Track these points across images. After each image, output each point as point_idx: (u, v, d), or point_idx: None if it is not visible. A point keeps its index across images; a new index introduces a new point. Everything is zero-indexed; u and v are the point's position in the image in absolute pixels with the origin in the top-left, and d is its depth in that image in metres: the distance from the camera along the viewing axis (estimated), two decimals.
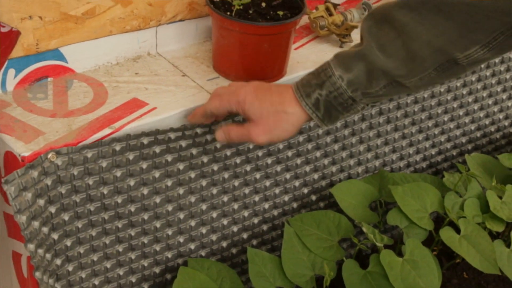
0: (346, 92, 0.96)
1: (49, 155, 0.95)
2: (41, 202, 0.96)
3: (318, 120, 0.99)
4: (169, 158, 1.08)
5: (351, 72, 0.95)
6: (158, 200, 1.11)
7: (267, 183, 1.26)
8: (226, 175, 1.18)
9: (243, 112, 0.99)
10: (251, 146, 1.19)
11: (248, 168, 1.21)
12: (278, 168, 1.26)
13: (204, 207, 1.18)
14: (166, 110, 1.07)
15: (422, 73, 0.94)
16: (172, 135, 1.06)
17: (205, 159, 1.13)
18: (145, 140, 1.03)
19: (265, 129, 0.98)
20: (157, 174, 1.08)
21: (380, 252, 1.19)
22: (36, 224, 0.96)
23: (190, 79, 1.16)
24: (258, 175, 1.23)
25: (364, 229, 1.21)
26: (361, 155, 1.40)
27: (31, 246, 0.95)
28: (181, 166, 1.10)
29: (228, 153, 1.16)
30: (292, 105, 0.98)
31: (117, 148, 1.01)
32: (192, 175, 1.13)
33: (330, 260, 1.22)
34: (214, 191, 1.18)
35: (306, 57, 1.27)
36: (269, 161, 1.24)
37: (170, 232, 1.16)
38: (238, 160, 1.19)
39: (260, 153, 1.21)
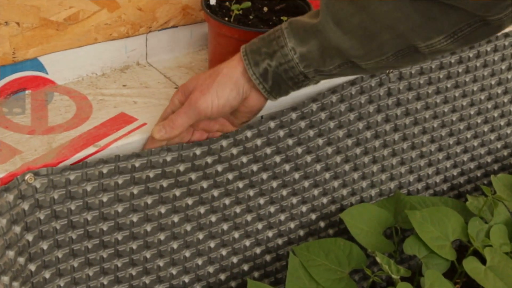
0: (297, 66, 0.98)
1: (27, 177, 0.95)
2: (17, 229, 0.96)
3: (265, 92, 1.01)
4: (165, 183, 1.08)
5: (304, 46, 0.97)
6: (149, 228, 1.11)
7: (272, 209, 1.26)
8: (227, 201, 1.19)
9: (184, 93, 1.02)
10: (255, 169, 1.19)
11: (251, 193, 1.21)
12: (284, 192, 1.26)
13: (201, 236, 1.18)
14: None
15: (380, 57, 0.95)
16: (168, 157, 1.06)
17: (204, 184, 1.14)
18: (137, 163, 1.04)
19: (202, 89, 1.00)
20: (149, 200, 1.08)
21: (396, 285, 1.18)
22: (11, 253, 0.95)
23: None
24: (262, 201, 1.24)
25: (378, 259, 1.21)
26: (374, 177, 1.40)
27: (5, 279, 0.95)
28: (177, 192, 1.11)
29: (230, 177, 1.17)
30: (228, 61, 1.01)
31: (104, 170, 1.01)
32: (190, 201, 1.13)
33: None
34: (213, 218, 1.18)
35: None
36: (274, 184, 1.24)
37: (161, 263, 1.16)
38: (240, 185, 1.19)
39: (264, 176, 1.22)
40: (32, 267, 1.01)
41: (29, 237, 0.99)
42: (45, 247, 1.01)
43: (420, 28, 0.90)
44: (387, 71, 1.30)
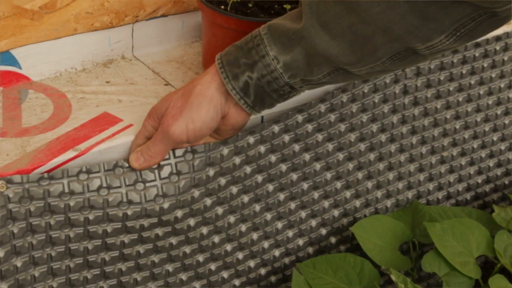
0: (282, 77, 0.97)
1: None
2: None
3: (247, 107, 1.00)
4: (165, 204, 1.08)
5: (288, 54, 0.96)
6: (142, 250, 1.11)
7: (279, 225, 1.26)
8: (232, 219, 1.19)
9: (156, 117, 1.01)
10: (259, 180, 1.19)
11: (257, 208, 1.22)
12: (292, 205, 1.26)
13: (201, 258, 1.18)
14: None
15: (374, 62, 0.94)
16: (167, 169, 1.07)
17: (208, 202, 1.14)
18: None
19: (174, 114, 0.99)
20: (146, 222, 1.08)
21: None
22: None
23: (174, 89, 1.17)
24: (269, 216, 1.24)
25: (393, 278, 1.20)
26: (390, 185, 1.40)
27: None
28: (179, 213, 1.11)
29: (235, 190, 1.17)
30: (202, 76, 1.00)
31: (90, 183, 1.01)
32: (192, 222, 1.13)
33: None
34: (216, 239, 1.19)
35: None
36: (282, 197, 1.24)
37: (153, 287, 1.16)
38: (246, 199, 1.19)
39: (271, 188, 1.22)
40: (4, 286, 1.00)
41: (1, 252, 0.98)
42: (18, 264, 1.01)
43: (418, 29, 0.89)
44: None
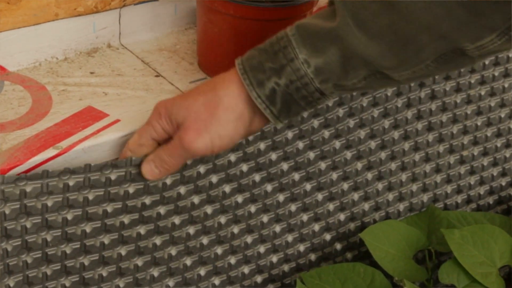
0: (312, 82, 0.96)
1: None
2: None
3: (272, 117, 0.99)
4: (148, 200, 1.08)
5: (320, 56, 0.95)
6: (124, 252, 1.11)
7: (277, 228, 1.27)
8: (223, 220, 1.19)
9: (170, 120, 0.99)
10: (257, 179, 1.19)
11: (252, 209, 1.22)
12: (293, 207, 1.27)
13: (189, 262, 1.19)
14: (133, 124, 1.07)
15: (417, 65, 0.94)
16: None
17: (195, 200, 1.14)
18: (113, 175, 1.03)
19: (198, 128, 0.97)
20: (126, 219, 1.08)
21: None
22: None
23: (166, 80, 1.17)
24: (265, 218, 1.24)
25: None
26: (403, 187, 1.40)
27: None
28: (162, 210, 1.11)
29: (228, 189, 1.17)
30: (226, 84, 0.98)
31: (71, 182, 1.01)
32: (177, 220, 1.13)
33: None
34: (205, 241, 1.19)
35: None
36: (281, 198, 1.24)
37: (156, 273, 1.16)
38: (240, 199, 1.19)
39: (269, 188, 1.22)
40: None
41: None
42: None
43: (467, 26, 0.88)
44: None
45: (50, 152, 1.01)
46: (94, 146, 1.04)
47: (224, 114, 0.98)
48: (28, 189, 0.98)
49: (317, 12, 0.99)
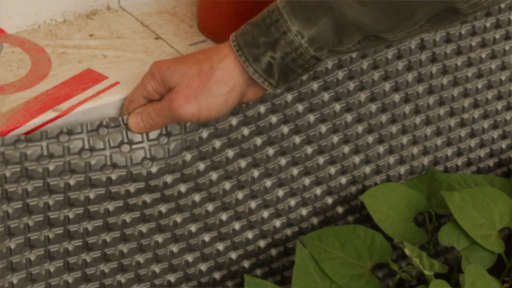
0: (307, 52, 0.97)
1: None
2: None
3: (271, 87, 1.01)
4: (154, 168, 1.09)
5: (313, 26, 0.96)
6: (128, 219, 1.12)
7: (280, 193, 1.27)
8: (227, 186, 1.20)
9: (162, 83, 1.01)
10: (258, 143, 1.20)
11: (256, 173, 1.23)
12: (294, 171, 1.27)
13: (193, 228, 1.19)
14: (133, 86, 1.06)
15: (411, 27, 0.95)
16: (152, 134, 1.07)
17: (200, 167, 1.14)
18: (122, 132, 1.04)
19: (188, 94, 0.99)
20: (132, 188, 1.09)
21: (429, 284, 1.18)
22: None
23: (166, 43, 1.17)
24: (269, 183, 1.25)
25: (407, 252, 1.21)
26: (404, 150, 1.40)
27: None
28: (168, 179, 1.11)
29: (231, 154, 1.17)
30: (220, 58, 0.99)
31: (71, 145, 1.01)
32: (183, 189, 1.14)
33: None
34: (210, 207, 1.19)
35: None
36: (283, 162, 1.25)
37: (142, 260, 1.17)
38: (243, 164, 1.20)
39: (271, 152, 1.22)
40: None
41: None
42: None
43: None
44: None
45: (49, 114, 1.01)
46: (93, 108, 1.04)
47: (216, 86, 0.99)
48: (29, 151, 0.99)
49: None
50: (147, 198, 1.10)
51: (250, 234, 1.27)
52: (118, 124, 1.04)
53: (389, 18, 0.93)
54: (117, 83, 1.08)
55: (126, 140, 1.05)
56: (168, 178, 1.11)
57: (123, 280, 1.17)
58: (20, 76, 1.07)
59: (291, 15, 0.96)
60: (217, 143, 1.14)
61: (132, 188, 1.08)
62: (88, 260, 1.11)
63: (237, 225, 1.24)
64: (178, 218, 1.16)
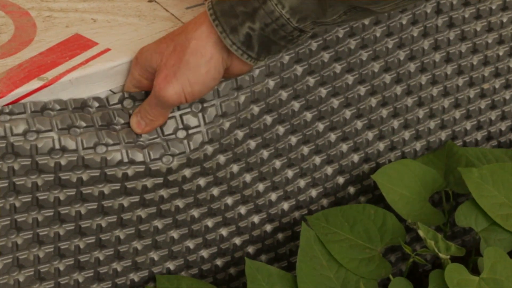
0: (289, 23, 0.97)
1: None
2: None
3: (251, 60, 1.01)
4: (153, 152, 1.10)
5: None
6: (126, 203, 1.12)
7: (290, 174, 1.28)
8: (235, 168, 1.20)
9: (145, 67, 1.02)
10: (268, 122, 1.20)
11: (265, 154, 1.23)
12: (305, 150, 1.28)
13: (196, 213, 1.20)
14: (125, 53, 1.07)
15: None
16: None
17: (209, 149, 1.15)
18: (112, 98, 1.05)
19: (167, 74, 1.00)
20: (130, 171, 1.09)
21: (445, 268, 1.19)
22: None
23: (160, 6, 1.17)
24: (278, 164, 1.26)
25: (421, 233, 1.22)
26: (420, 124, 1.41)
27: None
28: (173, 165, 1.12)
29: (240, 135, 1.18)
30: (196, 27, 1.00)
31: (59, 119, 1.02)
32: (187, 173, 1.14)
33: (370, 279, 1.23)
34: (216, 192, 1.20)
35: None
36: (294, 140, 1.25)
37: (139, 247, 1.18)
38: (252, 145, 1.21)
39: (281, 130, 1.23)
40: None
41: None
42: None
43: None
44: None
45: (34, 84, 1.01)
46: (82, 77, 1.04)
47: (192, 58, 1.00)
48: (14, 124, 0.99)
49: None
50: (148, 183, 1.11)
51: (256, 218, 1.28)
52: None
53: None
54: (107, 49, 1.08)
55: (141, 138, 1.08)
56: (173, 164, 1.11)
57: (119, 269, 1.18)
58: (2, 42, 1.07)
59: None
60: (226, 124, 1.14)
61: (130, 171, 1.09)
62: (82, 246, 1.13)
63: (243, 209, 1.25)
64: (181, 204, 1.17)
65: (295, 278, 1.21)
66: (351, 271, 1.23)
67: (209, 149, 1.13)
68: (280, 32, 0.98)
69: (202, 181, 1.17)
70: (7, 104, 0.99)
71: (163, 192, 1.15)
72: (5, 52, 1.05)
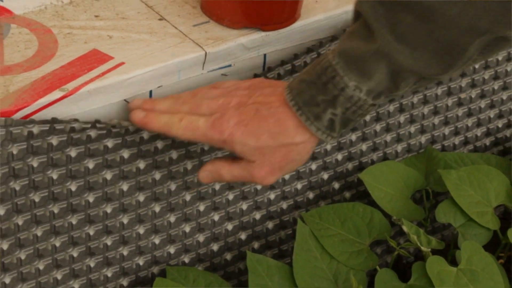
0: (366, 102, 0.97)
1: None
2: None
3: (332, 139, 1.01)
4: (145, 135, 1.09)
5: (371, 79, 0.94)
6: (126, 187, 1.12)
7: None
8: (220, 156, 1.19)
9: (234, 152, 1.01)
10: None
11: None
12: None
13: (188, 197, 1.19)
14: (138, 66, 1.07)
15: (465, 63, 0.93)
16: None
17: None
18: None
19: (273, 169, 1.01)
20: (126, 154, 1.09)
21: (427, 260, 1.19)
22: None
23: (169, 24, 1.17)
24: None
25: (405, 229, 1.21)
26: (401, 129, 1.40)
27: None
28: (159, 144, 1.12)
29: None
30: (299, 132, 1.00)
31: (76, 126, 1.02)
32: (189, 166, 1.15)
33: (359, 270, 1.23)
34: (216, 186, 1.20)
35: None
36: None
37: (141, 231, 1.17)
38: None
39: None
40: None
41: None
42: (1, 212, 1.01)
43: (505, 16, 0.88)
44: None
45: (56, 94, 1.01)
46: (99, 88, 1.04)
47: (299, 157, 1.02)
48: (35, 130, 0.99)
49: (349, 31, 0.98)
50: (144, 166, 1.12)
51: (244, 205, 1.27)
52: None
53: (442, 60, 0.92)
54: (122, 63, 1.07)
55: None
56: (159, 144, 1.11)
57: (125, 253, 1.17)
58: (27, 56, 1.06)
59: (346, 70, 0.95)
60: None
61: (125, 154, 1.09)
62: (91, 233, 1.12)
63: (230, 196, 1.24)
64: (173, 186, 1.16)
65: (292, 269, 1.21)
66: (342, 263, 1.22)
67: None
68: (358, 111, 0.97)
69: (189, 165, 1.17)
70: (31, 113, 0.99)
71: (172, 186, 1.16)
72: (30, 66, 1.05)
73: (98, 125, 1.03)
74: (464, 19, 0.88)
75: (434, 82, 0.99)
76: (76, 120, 1.02)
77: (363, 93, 0.95)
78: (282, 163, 1.01)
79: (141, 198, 1.14)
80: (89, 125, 1.03)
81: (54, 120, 1.00)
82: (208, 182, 1.06)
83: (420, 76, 0.95)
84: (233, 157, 1.04)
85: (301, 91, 0.98)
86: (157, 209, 1.16)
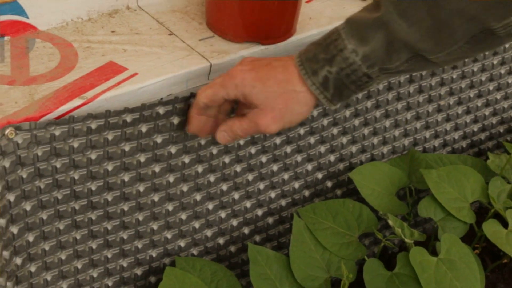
0: (360, 68, 0.97)
1: (7, 131, 0.95)
2: None
3: (326, 101, 1.01)
4: (159, 139, 1.09)
5: (367, 44, 0.95)
6: (142, 188, 1.12)
7: (275, 168, 1.27)
8: (227, 160, 1.20)
9: (244, 96, 1.00)
10: None
11: (253, 150, 1.22)
12: (288, 149, 1.27)
13: (198, 197, 1.20)
14: (150, 77, 1.07)
15: (452, 46, 0.94)
16: (161, 110, 1.07)
17: (202, 141, 1.14)
18: (129, 118, 1.04)
19: (274, 115, 1.00)
20: (142, 158, 1.09)
21: (410, 250, 1.20)
22: None
23: (178, 38, 1.17)
24: (264, 159, 1.25)
25: (390, 222, 1.22)
26: (387, 132, 1.41)
27: None
28: (173, 149, 1.12)
29: None
30: (301, 82, 1.00)
31: (93, 126, 1.02)
32: (186, 160, 1.14)
33: (349, 260, 1.23)
34: (212, 178, 1.20)
35: (321, 12, 1.27)
36: (278, 141, 1.25)
37: (155, 227, 1.17)
38: (241, 142, 1.20)
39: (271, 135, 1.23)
40: (14, 229, 1.02)
41: (11, 197, 0.99)
42: (28, 207, 1.02)
43: (494, 7, 0.89)
44: None
45: (76, 102, 1.01)
46: (115, 96, 1.04)
47: (297, 106, 1.00)
48: (57, 132, 0.99)
49: (363, 7, 0.99)
50: (156, 168, 1.11)
51: (248, 204, 1.27)
52: (138, 110, 1.05)
53: (432, 37, 0.93)
54: (135, 74, 1.08)
55: (142, 119, 1.06)
56: (173, 149, 1.11)
57: (140, 246, 1.18)
58: (50, 68, 1.07)
59: (348, 35, 0.96)
60: None
61: (141, 158, 1.09)
62: (109, 227, 1.12)
63: (236, 195, 1.25)
64: (185, 188, 1.17)
65: (288, 259, 1.21)
66: (334, 253, 1.23)
67: (202, 140, 1.15)
68: (352, 76, 0.97)
69: (200, 168, 1.17)
70: (54, 119, 0.99)
71: (184, 187, 1.16)
72: (53, 76, 1.05)
73: (110, 120, 1.03)
74: (457, 2, 0.89)
75: (425, 69, 0.98)
76: (93, 118, 1.02)
77: (359, 57, 0.96)
78: (283, 110, 0.99)
79: (156, 198, 1.14)
80: (102, 120, 1.03)
81: (71, 119, 1.00)
82: (226, 142, 1.05)
83: (412, 51, 0.95)
84: (241, 115, 1.03)
85: (308, 50, 1.00)
86: (170, 207, 1.17)
